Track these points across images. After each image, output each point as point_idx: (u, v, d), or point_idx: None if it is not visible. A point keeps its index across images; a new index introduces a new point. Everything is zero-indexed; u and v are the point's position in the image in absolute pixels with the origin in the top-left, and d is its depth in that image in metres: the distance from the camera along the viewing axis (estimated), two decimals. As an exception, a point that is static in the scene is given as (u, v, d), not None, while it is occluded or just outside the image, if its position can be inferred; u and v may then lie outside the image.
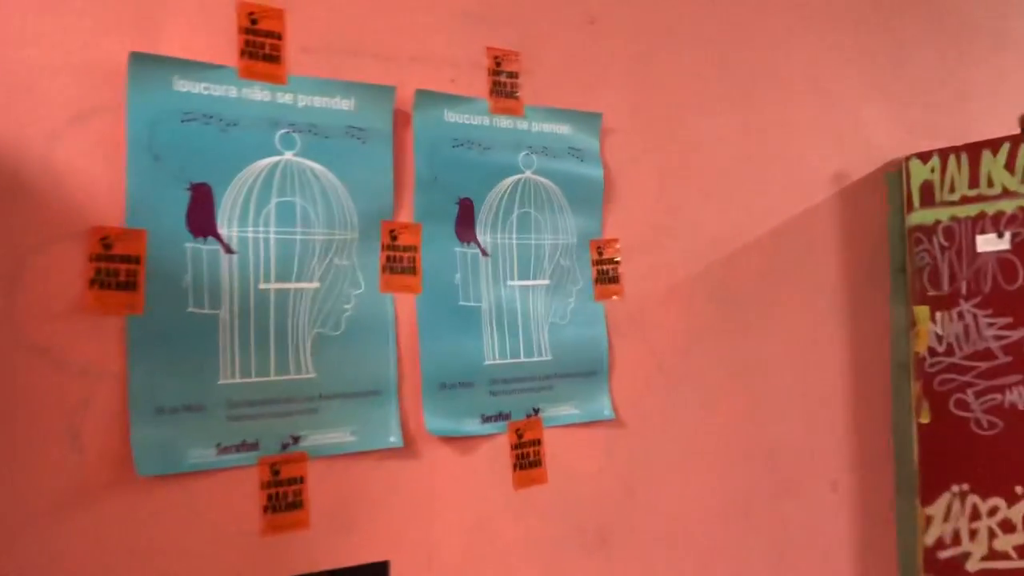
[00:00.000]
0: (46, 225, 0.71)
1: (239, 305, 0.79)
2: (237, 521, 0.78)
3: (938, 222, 1.28)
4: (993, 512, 1.21)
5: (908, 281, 1.31)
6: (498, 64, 0.95)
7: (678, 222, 1.09)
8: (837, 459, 1.22)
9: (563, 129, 1.00)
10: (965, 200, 1.25)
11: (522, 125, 0.97)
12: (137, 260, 0.74)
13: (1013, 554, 1.19)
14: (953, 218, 1.27)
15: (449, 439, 0.90)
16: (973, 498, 1.23)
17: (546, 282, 0.98)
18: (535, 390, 0.96)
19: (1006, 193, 1.21)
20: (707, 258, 1.11)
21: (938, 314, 1.27)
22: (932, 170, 1.29)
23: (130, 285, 0.74)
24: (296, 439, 0.81)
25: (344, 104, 0.85)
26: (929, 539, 1.27)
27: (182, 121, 0.76)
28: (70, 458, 0.71)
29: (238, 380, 0.78)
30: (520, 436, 0.94)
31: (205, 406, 0.76)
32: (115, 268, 0.73)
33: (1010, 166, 1.21)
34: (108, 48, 0.73)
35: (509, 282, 0.95)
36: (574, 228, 1.00)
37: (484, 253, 0.93)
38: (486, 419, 0.92)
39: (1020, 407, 1.19)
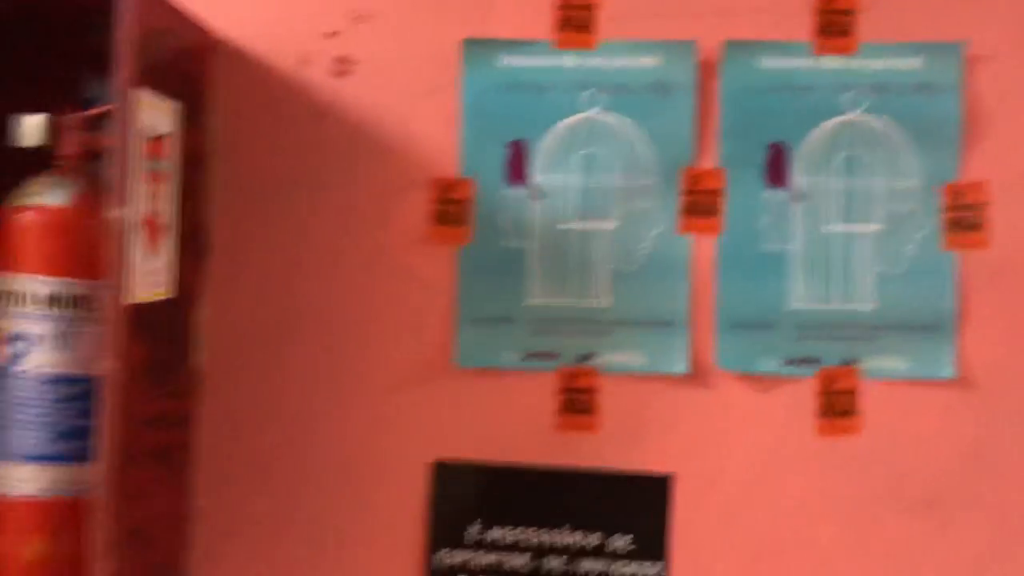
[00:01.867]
0: (406, 175, 0.95)
1: (546, 240, 0.94)
2: (536, 415, 0.94)
3: None
4: None
5: None
6: (828, 2, 0.92)
7: (1083, 162, 0.91)
8: None
9: (910, 64, 0.92)
10: None
11: (854, 64, 0.92)
12: (467, 203, 0.95)
13: None
14: None
15: (743, 376, 0.93)
16: None
17: (876, 227, 0.92)
18: (852, 339, 0.92)
19: None
20: None
21: None
22: None
23: (462, 222, 0.95)
24: (590, 355, 0.94)
25: (648, 62, 0.93)
26: None
27: (504, 92, 0.94)
28: (413, 349, 0.95)
29: (542, 302, 0.95)
30: (830, 384, 0.92)
31: (513, 319, 0.94)
32: (451, 208, 0.95)
33: None
34: (448, 36, 0.94)
35: (826, 227, 0.93)
36: (918, 170, 0.92)
37: (797, 197, 0.93)
38: (789, 362, 0.93)
39: None
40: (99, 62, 0.79)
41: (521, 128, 0.94)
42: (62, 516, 0.82)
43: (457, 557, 0.94)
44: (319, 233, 0.96)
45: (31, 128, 0.83)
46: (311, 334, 0.96)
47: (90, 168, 0.86)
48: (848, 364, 0.92)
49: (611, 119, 0.94)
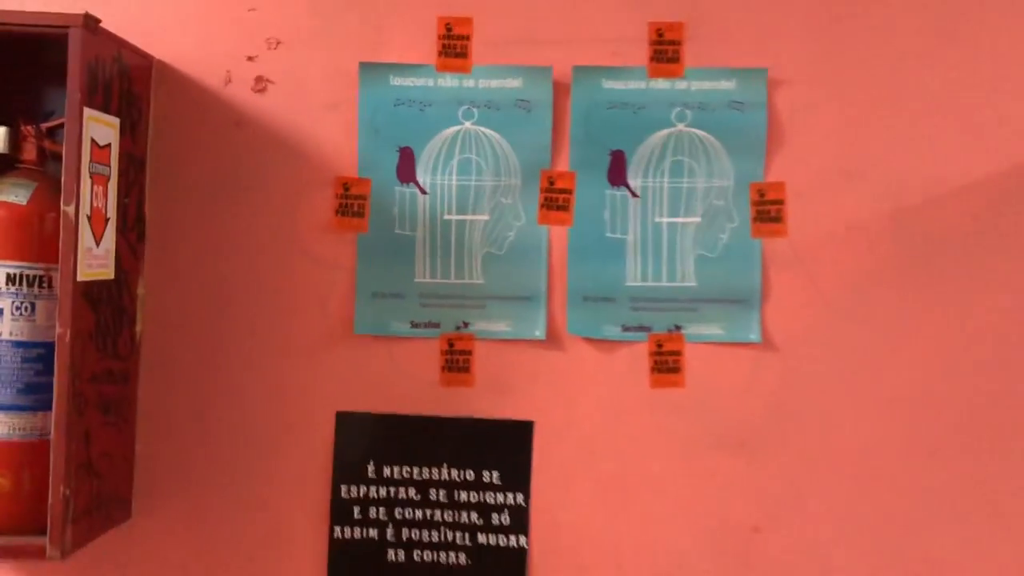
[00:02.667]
0: (313, 175, 1.13)
1: (430, 229, 1.13)
2: (422, 373, 1.13)
3: None
4: None
5: None
6: (660, 35, 1.12)
7: (860, 166, 1.11)
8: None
9: (725, 85, 1.12)
10: None
11: (680, 85, 1.12)
12: (364, 198, 1.13)
13: None
14: None
15: (590, 340, 1.13)
16: None
17: (697, 219, 1.13)
18: (677, 310, 1.13)
19: None
20: (900, 201, 1.11)
21: None
22: None
23: (360, 214, 1.13)
24: (467, 324, 1.13)
25: (513, 83, 1.12)
26: None
27: (394, 106, 1.13)
28: (320, 319, 1.13)
29: (427, 280, 1.14)
30: (660, 346, 1.13)
31: (404, 295, 1.13)
32: (351, 203, 1.13)
33: None
34: (347, 60, 1.12)
35: (656, 219, 1.13)
36: (731, 172, 1.12)
37: (634, 195, 1.13)
38: (626, 328, 1.13)
39: None
40: (55, 75, 0.97)
41: (409, 137, 1.13)
42: (25, 455, 1.00)
43: (358, 491, 1.14)
44: (240, 223, 1.14)
45: (-4, 137, 1.01)
46: (234, 308, 1.14)
47: (45, 170, 1.04)
48: (674, 330, 1.13)
49: (483, 130, 1.13)
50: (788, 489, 1.12)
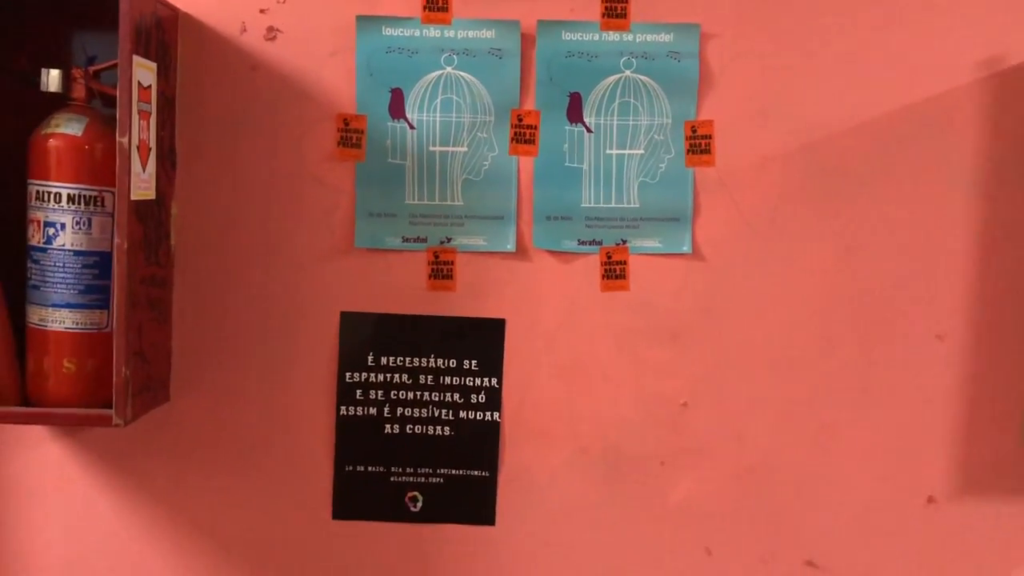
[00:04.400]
0: (318, 112, 1.30)
1: (417, 159, 1.33)
2: (412, 280, 1.33)
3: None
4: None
5: None
6: (611, -6, 1.31)
7: (778, 105, 1.31)
8: (948, 314, 1.35)
9: (664, 38, 1.31)
10: None
11: (627, 38, 1.32)
12: (362, 132, 1.32)
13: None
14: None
15: (552, 252, 1.34)
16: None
17: (640, 151, 1.34)
18: (624, 227, 1.34)
19: None
20: (808, 136, 1.32)
21: (1095, 196, 1.30)
22: (1111, 52, 1.28)
23: (358, 145, 1.32)
24: (449, 239, 1.34)
25: (487, 34, 1.31)
26: (1061, 405, 1.35)
27: (386, 53, 1.31)
28: (326, 235, 1.34)
29: (416, 202, 1.34)
30: (609, 256, 1.35)
31: (396, 214, 1.33)
32: (351, 136, 1.32)
33: None
34: (346, 13, 1.29)
35: (608, 151, 1.34)
36: (669, 112, 1.33)
37: (588, 130, 1.34)
38: (582, 242, 1.34)
39: None
40: (90, 23, 1.14)
41: (399, 79, 1.32)
42: (86, 344, 1.20)
43: (359, 377, 1.35)
44: (256, 153, 1.32)
45: (53, 78, 1.18)
46: (252, 225, 1.33)
47: (93, 107, 1.22)
48: (621, 244, 1.35)
49: (462, 74, 1.32)
50: (711, 372, 1.35)
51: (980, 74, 1.31)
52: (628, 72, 1.31)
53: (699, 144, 1.32)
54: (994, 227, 1.32)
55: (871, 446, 1.35)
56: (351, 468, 1.34)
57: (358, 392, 1.33)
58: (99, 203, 1.17)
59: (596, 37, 1.30)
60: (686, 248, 1.32)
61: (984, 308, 1.33)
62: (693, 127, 1.31)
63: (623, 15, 1.30)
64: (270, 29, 1.30)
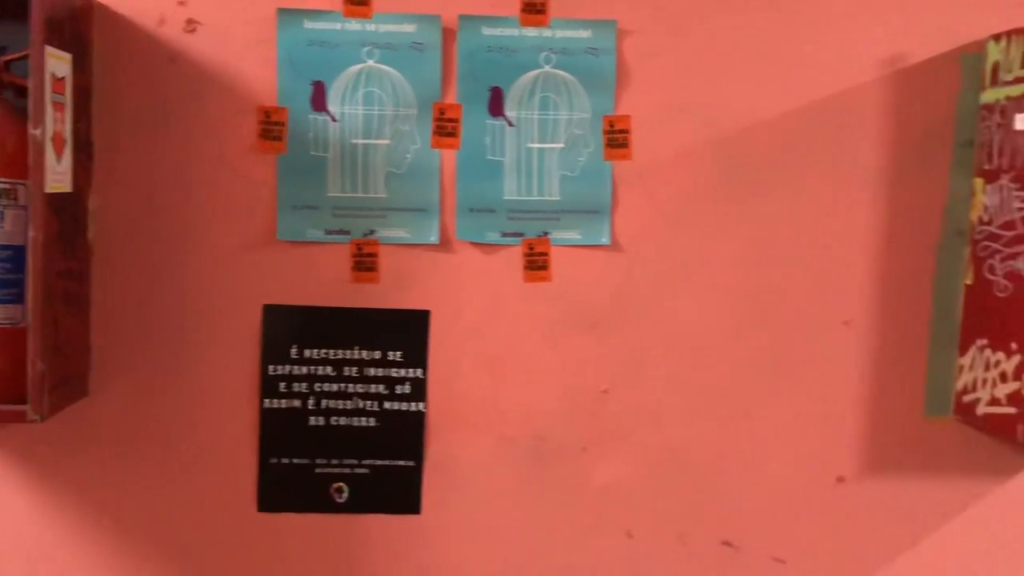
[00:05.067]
0: (239, 104, 1.29)
1: (340, 151, 1.33)
2: (335, 272, 1.33)
3: (998, 101, 1.35)
4: (996, 365, 1.34)
5: (974, 155, 1.40)
6: (531, -10, 1.33)
7: (692, 101, 1.36)
8: (853, 301, 1.40)
9: (583, 33, 1.34)
10: (1016, 80, 1.32)
11: (547, 33, 1.34)
12: (283, 124, 1.32)
13: (1004, 400, 1.31)
14: (1008, 97, 1.34)
15: (475, 244, 1.36)
16: (987, 352, 1.36)
17: (560, 145, 1.37)
18: (545, 219, 1.37)
19: None
20: (721, 131, 1.36)
21: (987, 186, 1.37)
22: (1001, 51, 1.35)
23: (279, 138, 1.32)
24: (372, 231, 1.35)
25: (408, 28, 1.32)
26: (959, 385, 1.42)
27: (307, 46, 1.31)
28: (247, 227, 1.33)
29: (338, 194, 1.34)
30: (531, 248, 1.37)
31: (319, 207, 1.33)
32: (272, 128, 1.32)
33: None
34: (267, 5, 1.28)
35: (528, 144, 1.36)
36: (588, 106, 1.35)
37: (510, 124, 1.36)
38: (504, 234, 1.36)
39: (1020, 273, 1.29)
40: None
41: (321, 72, 1.32)
42: (3, 339, 1.17)
43: (283, 369, 1.35)
44: (176, 146, 1.31)
45: (-38, 69, 1.16)
46: (172, 219, 1.32)
47: (6, 97, 1.19)
48: (542, 235, 1.37)
49: (384, 68, 1.33)
50: (630, 359, 1.38)
51: (882, 72, 1.37)
52: (547, 67, 1.33)
53: (617, 138, 1.35)
54: (895, 217, 1.38)
55: (783, 429, 1.40)
56: (276, 461, 1.34)
57: (282, 385, 1.33)
58: (12, 196, 1.15)
59: (516, 32, 1.32)
60: (605, 240, 1.35)
61: (887, 294, 1.39)
62: (611, 122, 1.35)
63: (542, 11, 1.33)
64: (189, 21, 1.29)
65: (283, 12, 1.29)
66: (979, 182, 1.37)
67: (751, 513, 1.39)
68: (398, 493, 1.35)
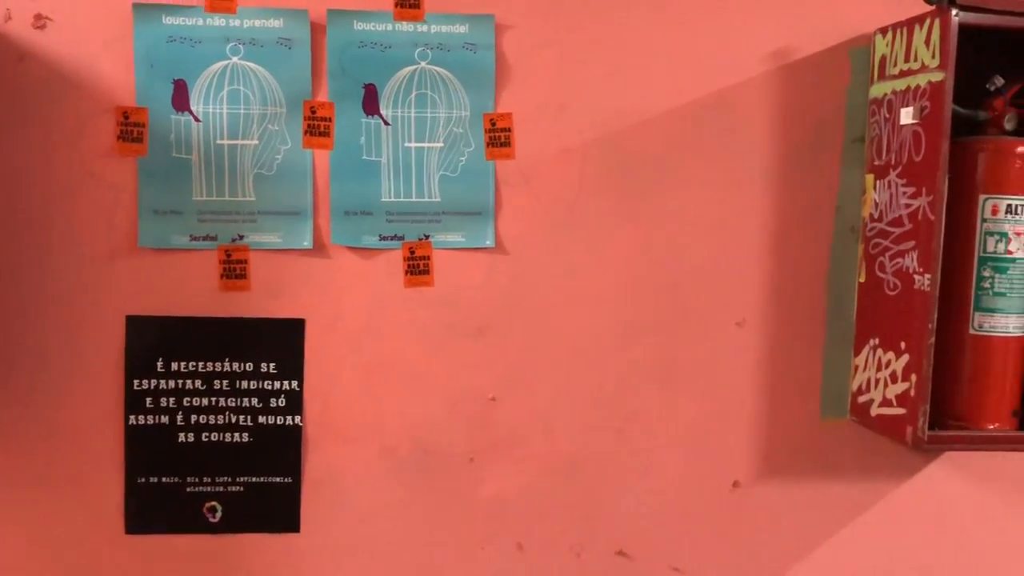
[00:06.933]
0: (95, 104, 1.21)
1: (204, 153, 1.25)
2: (203, 280, 1.25)
3: (885, 95, 1.32)
4: (888, 365, 1.30)
5: (865, 151, 1.37)
6: (405, -16, 1.27)
7: (575, 98, 1.29)
8: (746, 301, 1.36)
9: (460, 29, 1.28)
10: (902, 74, 1.28)
11: (422, 28, 1.27)
12: (143, 125, 1.24)
13: (895, 401, 1.28)
14: (894, 91, 1.30)
15: (352, 248, 1.29)
16: (879, 352, 1.32)
17: (440, 144, 1.30)
18: (425, 221, 1.30)
19: (923, 68, 1.23)
20: (605, 128, 1.31)
21: (878, 182, 1.34)
22: (887, 45, 1.32)
23: (139, 139, 1.24)
24: (242, 236, 1.27)
25: (275, 23, 1.25)
26: (854, 386, 1.38)
27: (167, 42, 1.23)
28: (107, 234, 1.24)
29: (204, 198, 1.26)
30: (412, 252, 1.31)
31: (183, 212, 1.25)
32: (131, 129, 1.23)
33: (927, 41, 1.22)
34: (123, 0, 1.22)
35: (406, 144, 1.30)
36: (468, 104, 1.29)
37: (386, 123, 1.29)
38: (383, 238, 1.30)
39: (910, 271, 1.25)
40: None
41: (182, 70, 1.24)
42: None
43: (148, 384, 1.27)
44: (28, 150, 1.22)
45: None
46: (27, 225, 1.22)
47: None
48: (423, 239, 1.31)
49: (250, 65, 1.25)
50: (517, 365, 1.32)
51: (771, 66, 1.32)
52: (423, 63, 1.27)
53: (498, 137, 1.29)
54: (785, 215, 1.34)
55: (677, 434, 1.35)
56: (143, 480, 1.26)
57: (148, 400, 1.25)
58: None
59: (389, 27, 1.26)
60: (489, 242, 1.29)
61: (781, 293, 1.35)
62: (492, 120, 1.29)
63: (416, 5, 1.26)
64: (38, 17, 1.20)
65: (139, 7, 1.21)
66: (870, 178, 1.34)
67: (646, 522, 1.35)
68: (275, 511, 1.28)
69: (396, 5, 1.25)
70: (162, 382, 1.24)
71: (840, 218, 1.33)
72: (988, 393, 1.24)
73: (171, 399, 1.24)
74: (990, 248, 1.22)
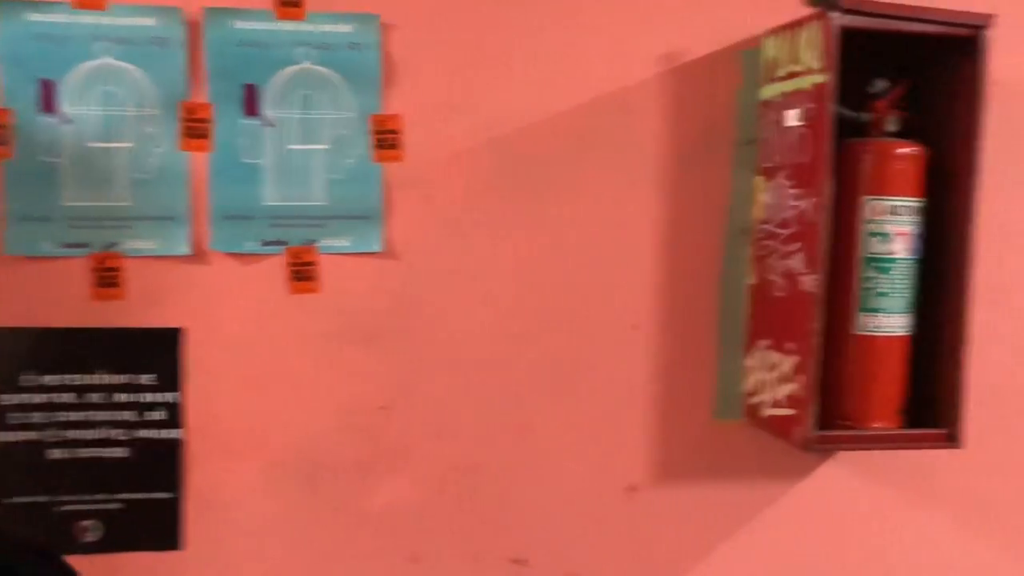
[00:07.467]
0: (-46, 106, 1.16)
1: (75, 156, 1.20)
2: (75, 290, 1.19)
3: (775, 97, 1.32)
4: (777, 366, 1.30)
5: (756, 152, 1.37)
6: (284, -18, 1.23)
7: (464, 100, 1.27)
8: (641, 304, 1.35)
9: (343, 28, 1.24)
10: (789, 76, 1.29)
11: (304, 27, 1.24)
12: (7, 127, 1.17)
13: (784, 402, 1.27)
14: (782, 93, 1.30)
15: (233, 254, 1.24)
16: (770, 353, 1.32)
17: (324, 146, 1.26)
18: (310, 226, 1.26)
19: (808, 70, 1.23)
20: (496, 131, 1.29)
21: (767, 184, 1.34)
22: (776, 47, 1.32)
23: (4, 142, 1.17)
24: (115, 243, 1.22)
25: (147, 21, 1.20)
26: (746, 387, 1.38)
27: (33, 41, 1.17)
28: (-30, 241, 1.18)
29: (75, 203, 1.20)
30: (296, 257, 1.26)
31: (52, 217, 1.19)
32: (-6, 132, 1.17)
33: (811, 43, 1.23)
34: (-18, -4, 1.15)
35: (289, 145, 1.26)
36: (354, 105, 1.26)
37: (268, 124, 1.25)
38: (265, 243, 1.25)
39: (797, 272, 1.25)
40: None
41: (49, 69, 1.18)
42: None
43: (14, 399, 1.20)
44: None
45: None
46: None
47: None
48: (308, 244, 1.27)
49: (122, 64, 1.20)
50: (409, 373, 1.29)
51: (661, 68, 1.32)
52: (306, 63, 1.23)
53: (386, 139, 1.26)
54: (677, 217, 1.33)
55: (573, 439, 1.33)
56: (10, 500, 1.19)
57: (14, 416, 1.18)
58: None
59: (270, 26, 1.22)
60: (377, 247, 1.26)
61: (675, 296, 1.34)
62: (378, 121, 1.25)
63: (298, 4, 1.22)
64: None
65: (2, 4, 1.14)
66: (759, 180, 1.34)
67: (542, 528, 1.32)
68: (156, 528, 1.23)
69: (278, 3, 1.20)
70: (30, 397, 1.18)
71: (732, 220, 1.33)
72: (874, 393, 1.25)
73: (40, 414, 1.19)
74: (873, 249, 1.23)
